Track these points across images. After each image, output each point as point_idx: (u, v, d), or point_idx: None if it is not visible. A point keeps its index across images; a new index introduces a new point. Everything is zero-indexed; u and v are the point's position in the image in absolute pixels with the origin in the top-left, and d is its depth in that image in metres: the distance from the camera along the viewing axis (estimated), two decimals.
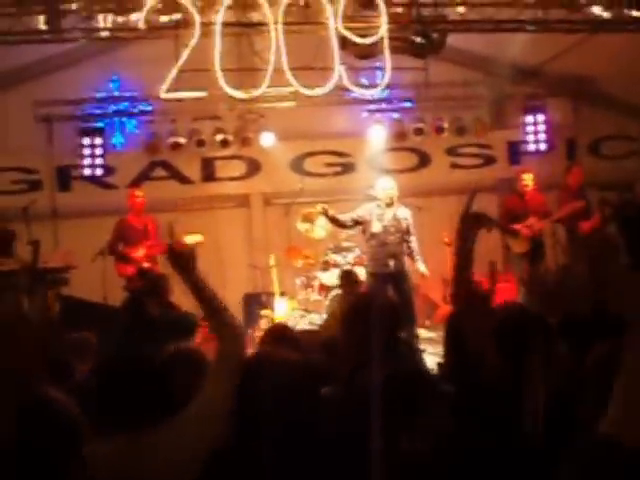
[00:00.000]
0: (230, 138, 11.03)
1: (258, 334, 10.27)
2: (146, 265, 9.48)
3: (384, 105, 11.48)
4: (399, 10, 8.77)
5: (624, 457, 2.00)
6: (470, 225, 3.36)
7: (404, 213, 9.12)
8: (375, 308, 3.46)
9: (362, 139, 11.70)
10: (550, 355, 3.59)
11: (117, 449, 2.52)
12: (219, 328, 2.84)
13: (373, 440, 2.71)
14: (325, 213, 9.14)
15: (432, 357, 7.32)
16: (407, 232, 9.06)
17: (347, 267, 9.87)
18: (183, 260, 2.77)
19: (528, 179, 10.28)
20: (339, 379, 3.35)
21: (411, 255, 9.06)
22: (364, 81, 10.11)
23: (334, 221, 9.24)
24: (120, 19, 8.35)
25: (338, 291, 9.98)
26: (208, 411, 2.62)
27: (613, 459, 2.03)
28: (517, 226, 10.04)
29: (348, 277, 9.24)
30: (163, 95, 8.24)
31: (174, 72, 8.07)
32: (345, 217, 9.17)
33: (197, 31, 8.05)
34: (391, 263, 8.93)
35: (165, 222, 9.70)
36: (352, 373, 3.22)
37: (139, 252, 9.53)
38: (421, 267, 9.09)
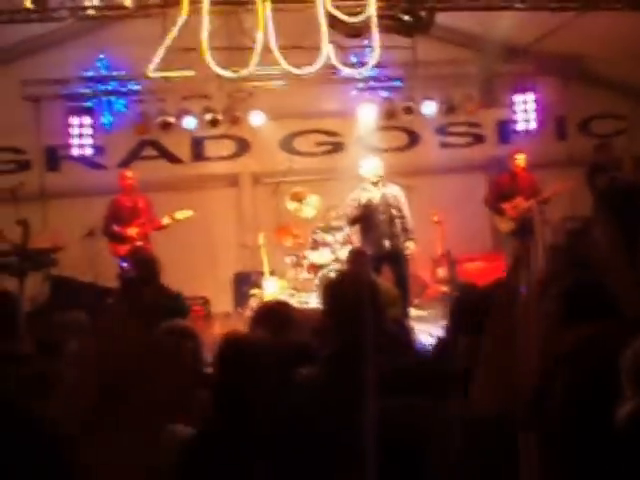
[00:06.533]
0: (219, 117, 11.00)
1: (248, 313, 10.33)
2: (139, 244, 9.50)
3: (374, 84, 11.46)
4: None
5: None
6: None
7: (393, 191, 9.10)
8: (354, 287, 3.44)
9: (352, 118, 11.68)
10: None
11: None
12: None
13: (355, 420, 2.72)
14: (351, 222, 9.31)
15: (422, 335, 7.37)
16: (398, 210, 9.04)
17: (354, 246, 9.67)
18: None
19: (520, 159, 10.26)
20: (320, 360, 3.36)
21: (405, 231, 9.06)
22: (353, 60, 10.09)
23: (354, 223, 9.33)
24: None
25: (327, 270, 10.02)
26: None
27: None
28: (503, 206, 10.07)
29: (356, 255, 9.17)
30: (150, 74, 8.20)
31: (161, 51, 8.03)
32: (354, 213, 9.16)
33: (185, 9, 8.00)
34: (386, 243, 8.94)
35: (155, 201, 9.82)
36: (333, 354, 3.22)
37: (132, 230, 9.53)
38: (409, 245, 9.10)
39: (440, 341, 4.38)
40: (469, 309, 3.58)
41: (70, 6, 8.49)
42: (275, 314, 4.32)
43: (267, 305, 4.48)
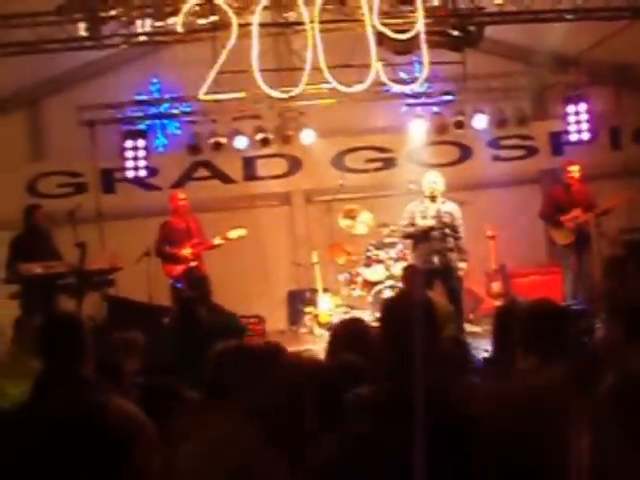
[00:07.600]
0: (270, 137, 11.12)
1: (303, 330, 10.38)
2: (193, 264, 9.61)
3: (424, 99, 11.43)
4: (435, 4, 8.74)
5: None
6: None
7: (449, 208, 9.04)
8: (410, 305, 3.42)
9: (403, 134, 11.68)
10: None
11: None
12: None
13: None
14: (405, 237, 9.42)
15: (476, 351, 7.30)
16: (453, 227, 8.99)
17: (410, 262, 9.68)
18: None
19: (574, 170, 10.12)
20: (376, 379, 3.33)
21: (458, 251, 9.01)
22: (403, 76, 10.10)
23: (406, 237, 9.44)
24: (158, 23, 8.44)
25: (381, 287, 10.00)
26: None
27: None
28: (561, 218, 9.94)
29: (410, 271, 9.16)
30: (202, 97, 8.32)
31: (213, 74, 8.15)
32: (408, 229, 9.17)
33: (234, 32, 8.13)
34: (435, 259, 8.90)
35: (208, 221, 9.93)
36: (389, 374, 3.20)
37: (185, 251, 9.64)
38: (462, 266, 9.05)
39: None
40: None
41: (123, 32, 8.67)
42: (355, 333, 4.29)
43: (346, 324, 4.45)
